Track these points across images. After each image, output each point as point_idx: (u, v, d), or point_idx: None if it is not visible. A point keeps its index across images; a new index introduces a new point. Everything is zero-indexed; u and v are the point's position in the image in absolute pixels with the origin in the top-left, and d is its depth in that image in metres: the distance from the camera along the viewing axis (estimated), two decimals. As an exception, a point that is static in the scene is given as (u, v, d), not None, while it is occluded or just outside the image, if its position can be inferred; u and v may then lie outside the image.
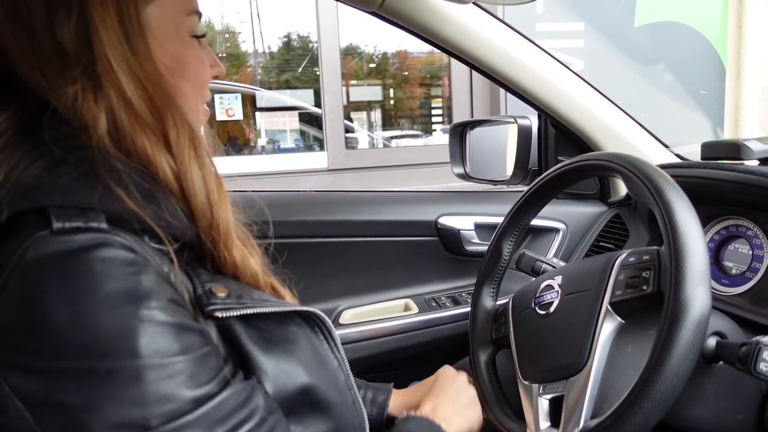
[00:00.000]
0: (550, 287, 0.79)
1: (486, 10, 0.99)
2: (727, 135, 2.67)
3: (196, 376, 0.44)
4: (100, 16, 0.47)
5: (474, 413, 0.82)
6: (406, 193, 1.27)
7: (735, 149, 0.84)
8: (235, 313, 0.49)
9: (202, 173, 0.51)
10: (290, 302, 0.58)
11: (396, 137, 4.59)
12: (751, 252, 0.89)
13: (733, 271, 0.91)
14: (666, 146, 1.22)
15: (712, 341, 0.70)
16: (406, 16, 0.92)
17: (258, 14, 4.74)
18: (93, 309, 0.40)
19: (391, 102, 5.17)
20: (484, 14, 0.99)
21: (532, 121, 1.26)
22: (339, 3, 0.94)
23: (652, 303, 0.66)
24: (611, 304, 0.70)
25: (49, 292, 0.40)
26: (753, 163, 0.87)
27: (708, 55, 2.86)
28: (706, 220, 0.95)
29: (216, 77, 0.60)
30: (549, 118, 1.16)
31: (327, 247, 1.15)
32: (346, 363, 0.60)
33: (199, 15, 0.57)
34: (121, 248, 0.43)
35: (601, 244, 1.16)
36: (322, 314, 0.57)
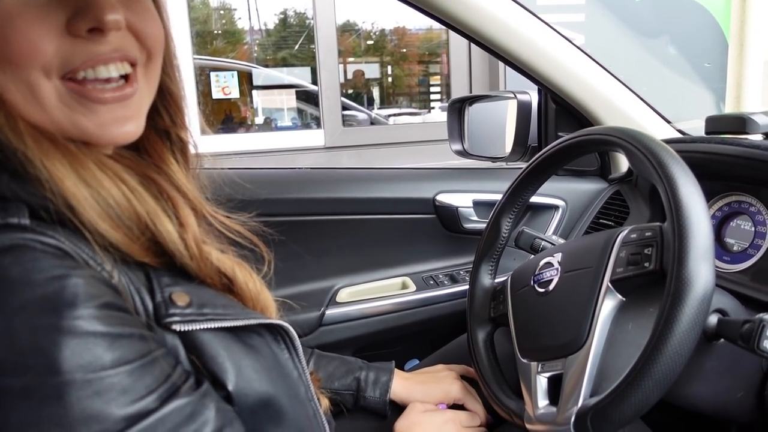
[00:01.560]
0: (549, 264, 0.78)
1: (485, -19, 0.96)
2: (728, 109, 2.63)
3: (131, 390, 0.39)
4: None
5: None
6: (403, 170, 1.25)
7: (740, 123, 0.82)
8: (194, 327, 0.46)
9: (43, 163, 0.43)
10: (253, 312, 0.54)
11: (394, 115, 4.55)
12: (753, 228, 0.87)
13: (735, 248, 0.90)
14: (668, 121, 1.19)
15: (713, 318, 0.69)
16: (403, -15, 0.89)
17: (253, -10, 4.66)
18: (9, 320, 0.36)
19: (389, 79, 5.12)
20: (484, -15, 0.96)
21: (532, 96, 1.24)
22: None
23: (653, 280, 0.65)
24: (612, 281, 0.68)
25: None
26: (757, 138, 0.85)
27: (710, 28, 2.81)
28: (708, 197, 0.93)
29: (96, 29, 0.44)
30: (549, 92, 1.14)
31: (323, 225, 1.13)
32: (307, 374, 0.57)
33: None
34: (44, 249, 0.39)
35: (601, 221, 1.15)
36: (286, 325, 0.54)
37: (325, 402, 0.73)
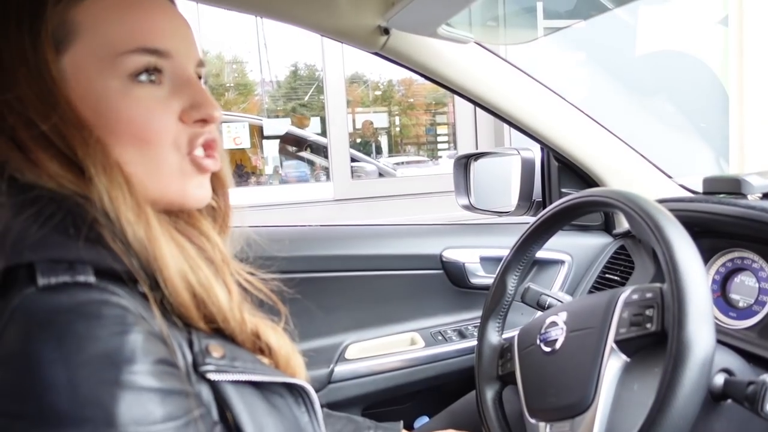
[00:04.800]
0: (554, 324, 0.79)
1: (487, 48, 1.01)
2: (732, 167, 2.66)
3: None
4: (13, 74, 0.46)
5: None
6: (410, 227, 1.28)
7: (736, 184, 0.84)
8: (228, 378, 0.49)
9: (144, 230, 0.47)
10: (279, 371, 0.56)
11: (402, 163, 4.62)
12: (757, 285, 0.88)
13: (741, 304, 0.90)
14: (669, 177, 1.22)
15: (720, 378, 0.70)
16: (407, 56, 0.94)
17: (265, 44, 4.85)
18: (73, 374, 0.39)
19: (397, 129, 5.23)
20: (485, 52, 1.01)
21: (535, 153, 1.27)
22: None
23: (656, 341, 0.66)
24: (616, 342, 0.69)
25: (35, 354, 0.39)
26: (755, 197, 0.87)
27: (711, 84, 2.86)
28: (711, 252, 0.95)
29: (204, 121, 0.54)
30: (551, 151, 1.17)
31: (332, 282, 1.15)
32: None
33: (154, 51, 0.50)
34: (108, 306, 0.42)
35: (606, 275, 1.16)
36: (308, 386, 0.56)
37: None
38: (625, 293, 0.72)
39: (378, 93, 5.53)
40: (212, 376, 0.48)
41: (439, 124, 5.52)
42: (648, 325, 0.67)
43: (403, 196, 3.11)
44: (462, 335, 1.18)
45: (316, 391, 1.09)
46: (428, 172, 4.25)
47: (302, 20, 0.88)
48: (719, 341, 0.85)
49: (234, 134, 4.80)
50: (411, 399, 1.18)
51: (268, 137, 4.77)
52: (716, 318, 0.92)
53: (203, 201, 0.56)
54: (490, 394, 0.88)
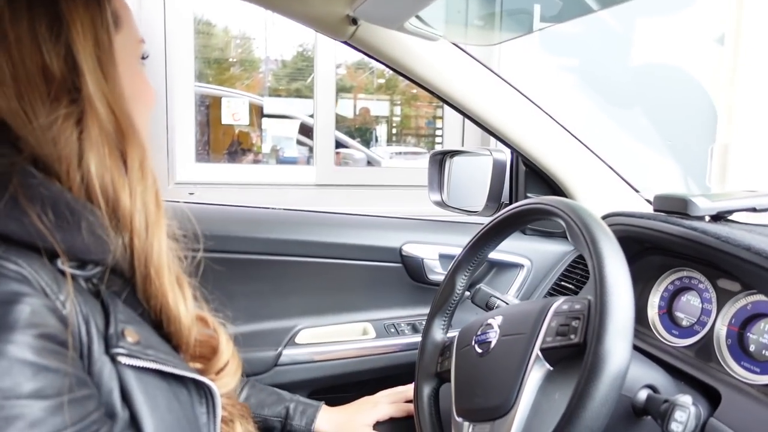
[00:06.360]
0: (490, 326, 0.80)
1: (458, 46, 1.01)
2: (713, 183, 2.65)
3: (40, 425, 0.40)
4: (82, 43, 0.50)
5: None
6: (373, 218, 1.28)
7: (683, 204, 0.85)
8: (137, 363, 0.49)
9: (144, 194, 0.53)
10: (188, 367, 0.57)
11: (400, 154, 4.61)
12: (701, 305, 0.89)
13: (684, 323, 0.91)
14: (637, 191, 1.22)
15: (643, 394, 0.71)
16: (375, 47, 0.93)
17: (273, 21, 4.81)
18: None
19: (397, 119, 5.22)
20: (456, 50, 1.01)
21: (507, 155, 1.27)
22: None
23: (578, 352, 0.67)
24: (542, 350, 0.70)
25: None
26: (705, 219, 0.87)
27: (701, 100, 2.83)
28: (661, 269, 0.95)
29: None
30: (520, 155, 1.17)
31: (290, 266, 1.16)
32: None
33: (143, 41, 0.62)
34: (5, 273, 0.43)
35: (562, 283, 1.17)
36: (214, 386, 0.57)
37: None
38: (557, 302, 0.73)
39: (382, 81, 5.50)
40: (122, 360, 0.48)
41: (439, 118, 5.50)
42: (572, 336, 0.67)
43: (386, 187, 3.08)
44: (415, 329, 1.19)
45: (262, 372, 1.11)
46: (416, 164, 4.25)
47: (271, 3, 0.88)
48: (655, 357, 0.86)
49: (233, 110, 4.78)
50: (357, 388, 1.18)
51: (268, 116, 4.75)
52: (659, 335, 0.93)
53: None
54: (426, 390, 0.89)
